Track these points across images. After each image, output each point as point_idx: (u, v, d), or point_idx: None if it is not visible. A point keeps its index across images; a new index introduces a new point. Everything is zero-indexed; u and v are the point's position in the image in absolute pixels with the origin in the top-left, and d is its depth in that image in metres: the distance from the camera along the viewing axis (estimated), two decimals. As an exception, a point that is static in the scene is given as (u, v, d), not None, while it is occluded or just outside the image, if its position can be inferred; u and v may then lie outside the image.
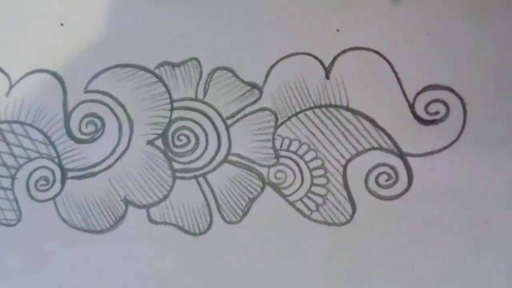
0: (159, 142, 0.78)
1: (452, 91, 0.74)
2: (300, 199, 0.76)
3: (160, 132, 0.78)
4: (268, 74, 0.76)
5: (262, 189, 0.76)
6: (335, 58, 0.75)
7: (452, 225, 0.73)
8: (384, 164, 0.75)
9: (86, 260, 0.78)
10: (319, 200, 0.76)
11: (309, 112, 0.76)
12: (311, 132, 0.76)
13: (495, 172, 0.73)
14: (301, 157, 0.76)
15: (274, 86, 0.76)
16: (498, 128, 0.73)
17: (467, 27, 0.74)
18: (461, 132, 0.73)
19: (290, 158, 0.76)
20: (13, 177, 0.79)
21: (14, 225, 0.78)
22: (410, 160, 0.74)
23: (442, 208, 0.73)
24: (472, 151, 0.73)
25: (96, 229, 0.78)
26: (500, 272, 0.72)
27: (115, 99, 0.78)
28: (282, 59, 0.76)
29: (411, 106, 0.74)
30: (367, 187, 0.75)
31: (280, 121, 0.76)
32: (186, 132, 0.77)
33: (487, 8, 0.73)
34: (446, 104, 0.74)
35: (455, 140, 0.74)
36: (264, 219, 0.76)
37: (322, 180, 0.76)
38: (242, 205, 0.76)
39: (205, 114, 0.77)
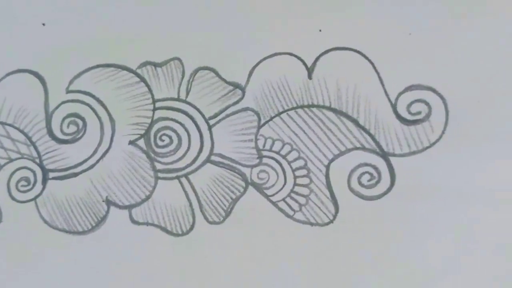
0: (141, 143, 0.77)
1: (434, 91, 0.74)
2: (283, 199, 0.76)
3: (142, 132, 0.77)
4: (250, 74, 0.76)
5: (245, 189, 0.76)
6: (317, 58, 0.75)
7: (435, 225, 0.73)
8: (366, 164, 0.75)
9: (68, 261, 0.77)
10: (302, 200, 0.75)
11: (291, 112, 0.76)
12: (293, 132, 0.76)
13: (477, 172, 0.73)
14: (284, 157, 0.76)
15: (257, 86, 0.76)
16: (480, 127, 0.73)
17: (449, 27, 0.74)
18: (443, 132, 0.74)
19: (273, 158, 0.76)
20: (-7, 178, 0.78)
21: (-6, 226, 0.78)
22: (393, 160, 0.74)
23: (424, 208, 0.73)
24: (454, 151, 0.73)
25: (77, 230, 0.78)
26: (484, 271, 0.72)
27: (97, 99, 0.78)
28: (264, 59, 0.76)
29: (394, 106, 0.74)
30: (349, 187, 0.75)
31: (262, 121, 0.76)
32: (169, 132, 0.77)
33: (469, 9, 0.73)
34: (428, 104, 0.74)
35: (437, 140, 0.74)
36: (247, 219, 0.76)
37: (305, 180, 0.76)
38: (225, 206, 0.76)
39: (187, 114, 0.77)
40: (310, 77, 0.75)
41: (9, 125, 0.79)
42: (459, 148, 0.73)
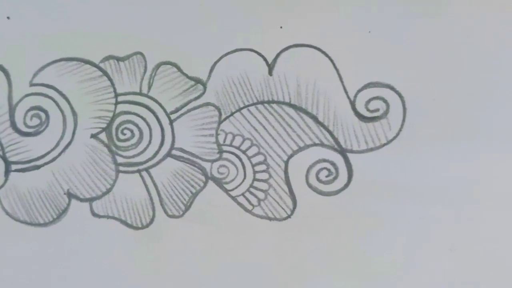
0: (103, 136, 0.78)
1: (392, 88, 0.75)
2: (242, 194, 0.76)
3: (104, 126, 0.78)
4: (212, 69, 0.77)
5: (205, 183, 0.77)
6: (278, 55, 0.76)
7: (391, 220, 0.74)
8: (325, 160, 0.75)
9: (29, 253, 0.78)
10: (261, 195, 0.76)
11: (252, 108, 0.77)
12: (254, 127, 0.77)
13: (433, 169, 0.74)
14: (244, 152, 0.77)
15: (218, 81, 0.77)
16: (436, 125, 0.74)
17: (408, 25, 0.75)
18: (400, 129, 0.74)
19: (233, 153, 0.77)
20: (-45, 169, 0.79)
21: (-44, 217, 0.78)
22: (350, 156, 0.75)
23: (380, 204, 0.74)
24: (411, 148, 0.74)
25: (39, 222, 0.78)
26: (436, 267, 0.73)
27: (60, 93, 0.79)
28: (226, 55, 0.77)
29: (352, 103, 0.75)
30: (308, 183, 0.76)
31: (223, 117, 0.77)
32: (130, 126, 0.78)
33: (427, 8, 0.74)
34: (386, 102, 0.75)
35: (395, 137, 0.75)
36: (206, 213, 0.77)
37: (264, 176, 0.76)
38: (185, 200, 0.77)
39: (149, 109, 0.78)
40: (270, 73, 0.76)
41: (-28, 117, 0.79)
42: (415, 146, 0.74)
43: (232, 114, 0.77)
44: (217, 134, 0.77)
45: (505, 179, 0.73)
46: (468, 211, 0.74)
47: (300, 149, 0.76)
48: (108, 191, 0.77)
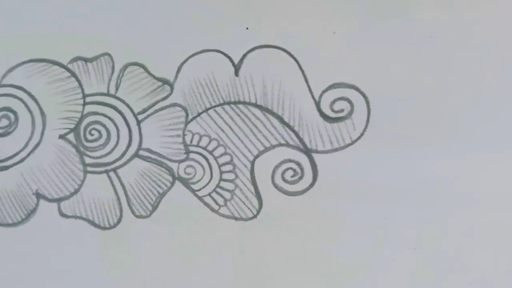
0: (71, 137, 0.78)
1: (357, 89, 0.75)
2: (209, 194, 0.77)
3: (72, 126, 0.78)
4: (179, 70, 0.77)
5: (172, 184, 0.77)
6: (244, 56, 0.77)
7: (355, 220, 0.75)
8: (290, 160, 0.76)
9: (-2, 253, 0.78)
10: (227, 195, 0.77)
11: (218, 109, 0.77)
12: (220, 128, 0.77)
13: (397, 169, 0.74)
14: (210, 152, 0.77)
15: (185, 82, 0.77)
16: (400, 126, 0.75)
17: (372, 27, 0.75)
18: (364, 130, 0.75)
19: (200, 154, 0.77)
20: None
21: None
22: (315, 156, 0.76)
23: (345, 204, 0.75)
24: (375, 149, 0.75)
25: (7, 222, 0.79)
26: (400, 266, 0.74)
27: (29, 94, 0.79)
28: (192, 55, 0.77)
29: (317, 104, 0.76)
30: (273, 183, 0.76)
31: (190, 117, 0.77)
32: (98, 126, 0.78)
33: (391, 9, 0.75)
34: (350, 102, 0.75)
35: (359, 137, 0.75)
36: (173, 213, 0.77)
37: (231, 176, 0.77)
38: (152, 200, 0.77)
39: (116, 109, 0.78)
40: (237, 74, 0.77)
41: None
42: (379, 146, 0.75)
43: (199, 114, 0.77)
44: (184, 135, 0.77)
45: (468, 179, 0.74)
46: (432, 211, 0.74)
47: (266, 149, 0.76)
48: (76, 191, 0.78)
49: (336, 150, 0.75)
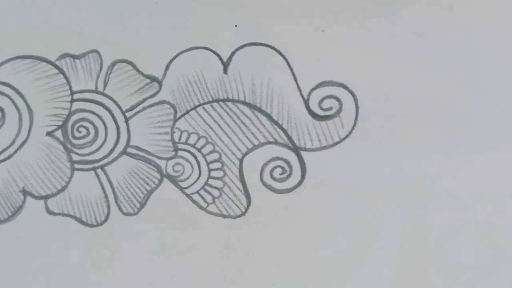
0: (58, 134, 0.78)
1: (345, 87, 0.75)
2: (197, 192, 0.77)
3: (59, 123, 0.78)
4: (167, 67, 0.77)
5: (160, 181, 0.77)
6: (233, 53, 0.77)
7: (343, 218, 0.75)
8: (279, 158, 0.76)
9: (-16, 251, 0.78)
10: (216, 192, 0.77)
11: (207, 106, 0.77)
12: (209, 125, 0.77)
13: (385, 168, 0.75)
14: (199, 150, 0.77)
15: (173, 79, 0.77)
16: (388, 124, 0.75)
17: (361, 25, 0.75)
18: (353, 128, 0.75)
19: (188, 151, 0.77)
20: None
21: None
22: (304, 154, 0.76)
23: (333, 202, 0.75)
24: (364, 147, 0.75)
25: (-6, 219, 0.78)
26: (386, 263, 0.74)
27: (16, 90, 0.79)
28: (181, 53, 0.77)
29: (306, 102, 0.76)
30: (262, 181, 0.76)
31: (179, 115, 0.77)
32: (86, 124, 0.78)
33: (379, 7, 0.75)
34: (339, 100, 0.75)
35: (347, 136, 0.75)
36: (161, 211, 0.77)
37: (219, 173, 0.77)
38: (140, 197, 0.77)
39: (104, 106, 0.78)
40: (225, 71, 0.77)
41: None
42: (368, 144, 0.75)
43: (187, 112, 0.77)
44: (172, 132, 0.77)
45: (456, 177, 0.74)
46: (420, 209, 0.75)
47: (255, 147, 0.76)
48: (63, 188, 0.78)
49: (324, 148, 0.75)
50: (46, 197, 0.78)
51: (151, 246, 0.77)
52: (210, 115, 0.77)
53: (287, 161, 0.76)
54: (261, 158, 0.76)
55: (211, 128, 0.77)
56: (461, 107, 0.74)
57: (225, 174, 0.77)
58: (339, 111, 0.75)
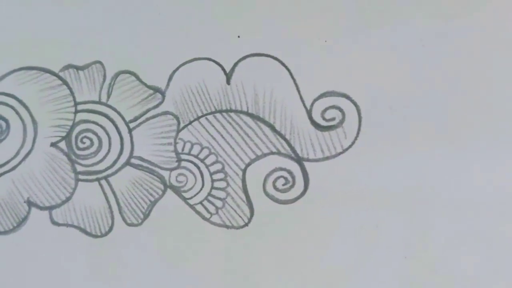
0: (62, 145, 0.78)
1: (348, 97, 0.75)
2: (200, 202, 0.77)
3: (63, 134, 0.78)
4: (170, 78, 0.77)
5: (164, 192, 0.77)
6: (235, 64, 0.77)
7: (346, 228, 0.75)
8: (281, 169, 0.76)
9: (-10, 261, 0.78)
10: (219, 203, 0.77)
11: (210, 117, 0.77)
12: (212, 136, 0.77)
13: (388, 178, 0.75)
14: (202, 160, 0.77)
15: (176, 90, 0.77)
16: (392, 134, 0.75)
17: (363, 35, 0.75)
18: (356, 138, 0.75)
19: (191, 162, 0.77)
20: None
21: None
22: (307, 164, 0.76)
23: (336, 212, 0.75)
24: (366, 157, 0.75)
25: (-1, 230, 0.79)
26: (390, 274, 0.74)
27: (20, 101, 0.79)
28: (184, 64, 0.77)
29: (309, 112, 0.76)
30: (265, 191, 0.76)
31: (182, 125, 0.77)
32: (89, 135, 0.78)
33: (381, 17, 0.75)
34: (342, 111, 0.76)
35: (350, 146, 0.75)
36: (164, 221, 0.77)
37: (222, 184, 0.77)
38: (143, 208, 0.77)
39: (108, 117, 0.78)
40: (228, 82, 0.77)
41: None
42: (371, 154, 0.75)
43: (190, 122, 0.77)
44: (175, 143, 0.77)
45: (460, 186, 0.74)
46: (423, 219, 0.75)
47: (258, 157, 0.77)
48: (68, 199, 0.78)
49: (327, 158, 0.75)
50: (50, 208, 0.78)
51: (154, 256, 0.77)
52: (213, 126, 0.77)
53: (290, 172, 0.76)
54: (264, 169, 0.76)
55: (214, 138, 0.77)
56: (464, 117, 0.74)
57: (228, 184, 0.77)
58: (342, 121, 0.75)
